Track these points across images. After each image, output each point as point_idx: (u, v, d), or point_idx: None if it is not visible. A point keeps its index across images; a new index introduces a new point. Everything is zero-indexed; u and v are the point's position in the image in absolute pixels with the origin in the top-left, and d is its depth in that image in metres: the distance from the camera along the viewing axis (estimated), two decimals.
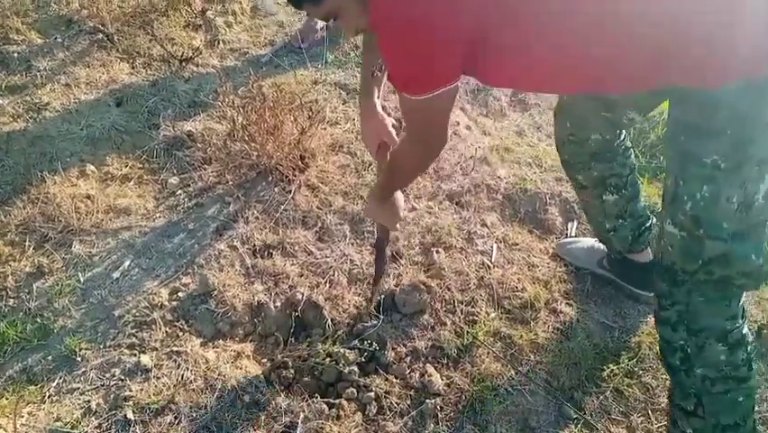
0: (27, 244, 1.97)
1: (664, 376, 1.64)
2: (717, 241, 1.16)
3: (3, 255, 1.94)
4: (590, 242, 1.98)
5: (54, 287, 1.85)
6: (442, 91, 1.17)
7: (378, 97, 1.58)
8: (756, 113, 1.08)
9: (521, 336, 1.76)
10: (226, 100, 2.15)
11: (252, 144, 2.02)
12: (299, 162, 2.18)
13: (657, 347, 1.46)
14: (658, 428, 1.58)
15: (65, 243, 1.99)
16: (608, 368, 1.71)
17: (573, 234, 2.12)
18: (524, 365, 1.70)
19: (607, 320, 1.83)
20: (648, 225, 1.75)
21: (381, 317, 1.73)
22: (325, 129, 2.37)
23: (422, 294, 1.76)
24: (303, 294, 1.79)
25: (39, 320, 1.76)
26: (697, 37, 1.03)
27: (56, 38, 2.77)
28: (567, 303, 1.87)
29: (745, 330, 1.27)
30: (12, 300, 1.83)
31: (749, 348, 1.26)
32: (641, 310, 1.87)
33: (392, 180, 1.52)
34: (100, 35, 2.80)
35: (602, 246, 1.89)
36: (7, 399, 1.55)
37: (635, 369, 1.70)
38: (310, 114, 2.08)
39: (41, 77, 2.55)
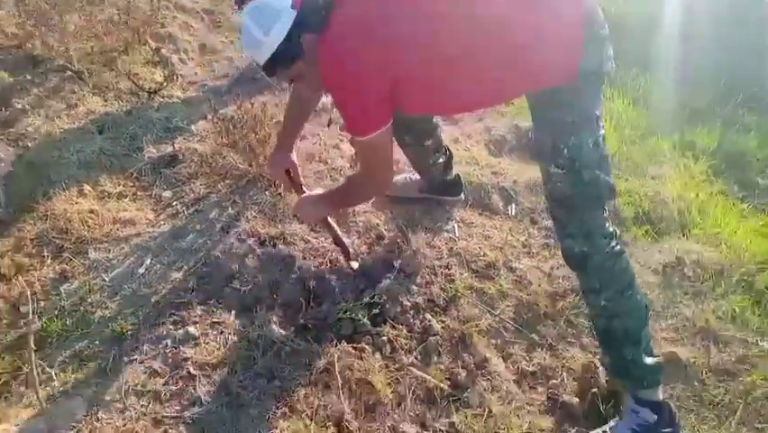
0: (45, 254, 2.16)
1: None
2: (589, 169, 1.64)
3: (24, 266, 2.11)
4: (403, 177, 2.55)
5: (82, 287, 2.06)
6: (380, 131, 1.67)
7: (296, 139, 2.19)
8: (588, 91, 1.62)
9: (489, 288, 2.20)
10: (215, 118, 2.47)
11: (249, 154, 2.34)
12: None
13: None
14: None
15: (81, 251, 2.20)
16: (559, 305, 2.18)
17: (513, 214, 2.61)
18: (496, 309, 2.14)
19: (551, 271, 2.31)
20: (449, 155, 2.44)
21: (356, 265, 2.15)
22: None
23: (419, 258, 2.17)
24: (311, 270, 2.12)
25: (76, 314, 1.97)
26: (549, 57, 1.56)
27: (26, 76, 2.94)
28: (519, 262, 2.34)
29: (611, 226, 1.73)
30: (43, 302, 2.01)
31: (616, 235, 1.74)
32: None
33: (341, 201, 2.07)
34: (68, 72, 3.01)
35: (415, 177, 2.51)
36: (69, 375, 1.76)
37: (579, 304, 2.17)
38: None
39: (22, 110, 2.72)
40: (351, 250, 2.16)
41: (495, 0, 1.57)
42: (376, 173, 1.85)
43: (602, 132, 1.67)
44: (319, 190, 2.12)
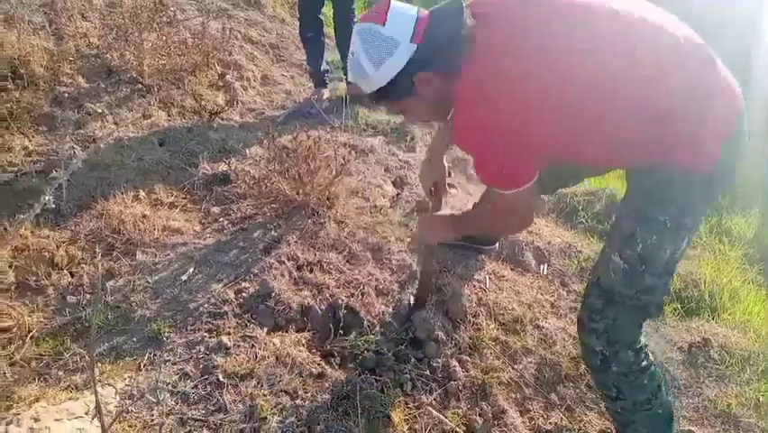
0: (96, 250, 2.28)
1: None
2: (653, 276, 1.53)
3: (76, 258, 2.23)
4: None
5: (127, 285, 2.16)
6: (531, 183, 1.52)
7: (446, 146, 2.09)
8: (700, 195, 1.50)
9: (514, 342, 2.23)
10: (271, 144, 2.60)
11: (298, 182, 2.45)
12: (327, 202, 2.63)
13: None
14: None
15: (129, 252, 2.31)
16: (581, 368, 2.19)
17: (545, 273, 2.66)
18: (518, 363, 2.16)
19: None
20: None
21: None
22: (344, 178, 2.85)
23: (460, 301, 2.24)
24: (343, 300, 2.19)
25: (118, 310, 2.06)
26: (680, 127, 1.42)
27: (100, 84, 3.14)
28: (546, 321, 2.37)
29: (645, 338, 1.65)
30: (89, 295, 2.12)
31: (644, 350, 1.64)
32: None
33: (473, 228, 2.06)
34: (139, 85, 3.20)
35: None
36: (105, 366, 1.84)
37: None
38: (343, 161, 2.56)
39: (93, 115, 2.90)
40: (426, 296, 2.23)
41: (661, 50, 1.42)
42: (518, 215, 1.67)
43: (684, 246, 1.54)
44: (447, 211, 2.01)
